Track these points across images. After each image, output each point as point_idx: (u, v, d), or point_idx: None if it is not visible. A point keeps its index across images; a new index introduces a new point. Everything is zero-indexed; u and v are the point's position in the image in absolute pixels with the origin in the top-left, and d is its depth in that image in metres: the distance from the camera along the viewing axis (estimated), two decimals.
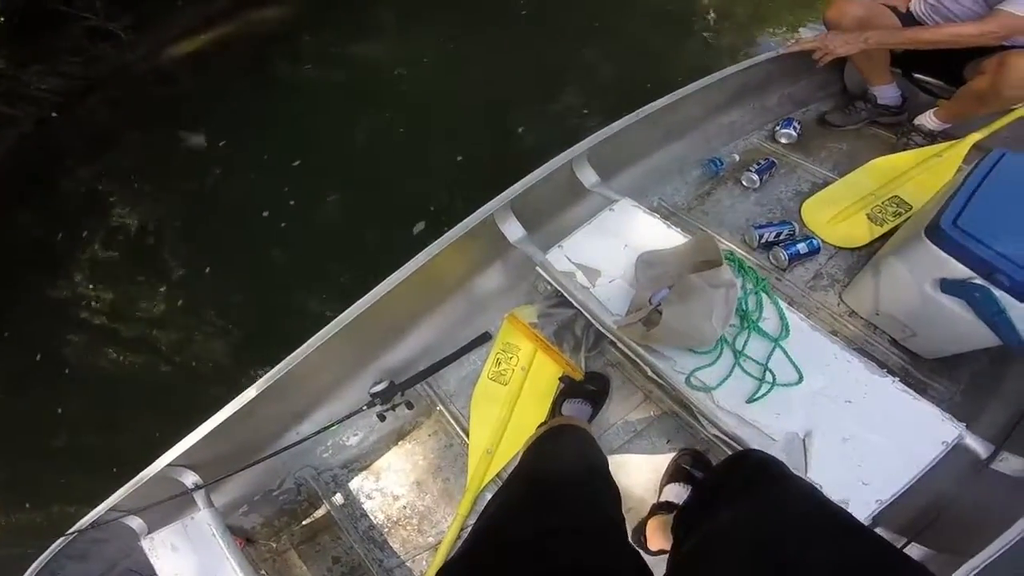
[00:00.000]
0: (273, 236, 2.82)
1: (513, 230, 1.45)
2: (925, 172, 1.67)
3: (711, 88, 1.70)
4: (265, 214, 2.91)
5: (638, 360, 1.16)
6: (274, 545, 1.53)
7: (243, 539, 1.53)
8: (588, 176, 1.50)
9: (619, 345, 1.19)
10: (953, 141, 1.69)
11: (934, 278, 1.17)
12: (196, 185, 3.26)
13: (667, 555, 0.93)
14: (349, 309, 1.31)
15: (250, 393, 1.27)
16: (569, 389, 1.44)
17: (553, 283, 1.29)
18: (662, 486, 1.29)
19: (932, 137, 1.80)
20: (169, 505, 1.25)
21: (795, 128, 1.90)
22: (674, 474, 1.29)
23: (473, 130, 3.04)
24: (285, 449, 1.32)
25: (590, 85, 3.15)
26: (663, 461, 1.34)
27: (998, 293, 1.08)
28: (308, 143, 3.27)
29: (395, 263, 1.35)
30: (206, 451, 1.28)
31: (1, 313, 3.02)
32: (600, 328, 1.21)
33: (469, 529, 1.40)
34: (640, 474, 1.33)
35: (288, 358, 1.28)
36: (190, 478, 1.29)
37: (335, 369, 1.48)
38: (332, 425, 1.36)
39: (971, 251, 1.09)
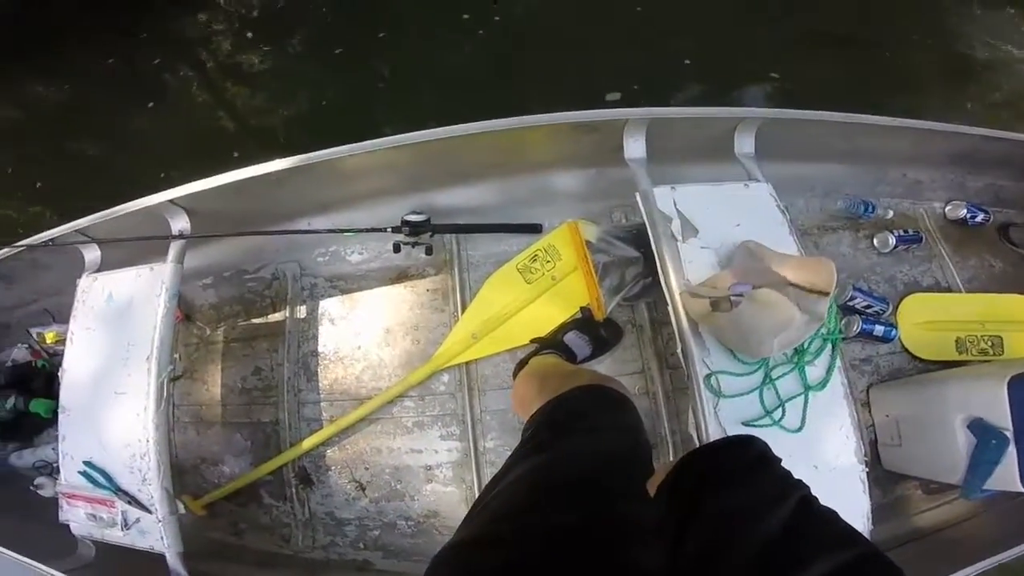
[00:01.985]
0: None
1: (635, 147, 1.32)
2: None
3: (932, 136, 1.46)
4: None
5: (676, 333, 1.10)
6: (208, 332, 1.47)
7: (183, 314, 1.45)
8: (745, 144, 1.34)
9: (667, 308, 1.12)
10: None
11: (971, 414, 1.18)
12: None
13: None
14: (423, 131, 1.21)
15: (285, 163, 1.18)
16: (583, 322, 1.40)
17: (644, 217, 1.19)
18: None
19: None
20: (135, 247, 1.15)
21: (978, 218, 1.64)
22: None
23: None
24: (289, 232, 1.26)
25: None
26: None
27: (1012, 448, 1.12)
28: None
29: None
30: (212, 202, 1.19)
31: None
32: (663, 283, 1.13)
33: (405, 401, 1.38)
34: None
35: (339, 148, 1.19)
36: (179, 223, 1.20)
37: (382, 179, 1.38)
38: (348, 231, 1.29)
39: None
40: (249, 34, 2.94)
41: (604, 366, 1.42)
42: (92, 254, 1.26)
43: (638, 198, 1.22)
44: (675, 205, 1.19)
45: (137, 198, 1.20)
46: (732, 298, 1.02)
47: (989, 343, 1.49)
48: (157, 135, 2.62)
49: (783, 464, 0.59)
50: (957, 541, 1.36)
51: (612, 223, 1.56)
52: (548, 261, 1.47)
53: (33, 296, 1.40)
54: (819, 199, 1.64)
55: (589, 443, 0.70)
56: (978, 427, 1.17)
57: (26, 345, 1.46)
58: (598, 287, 1.43)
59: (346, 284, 1.48)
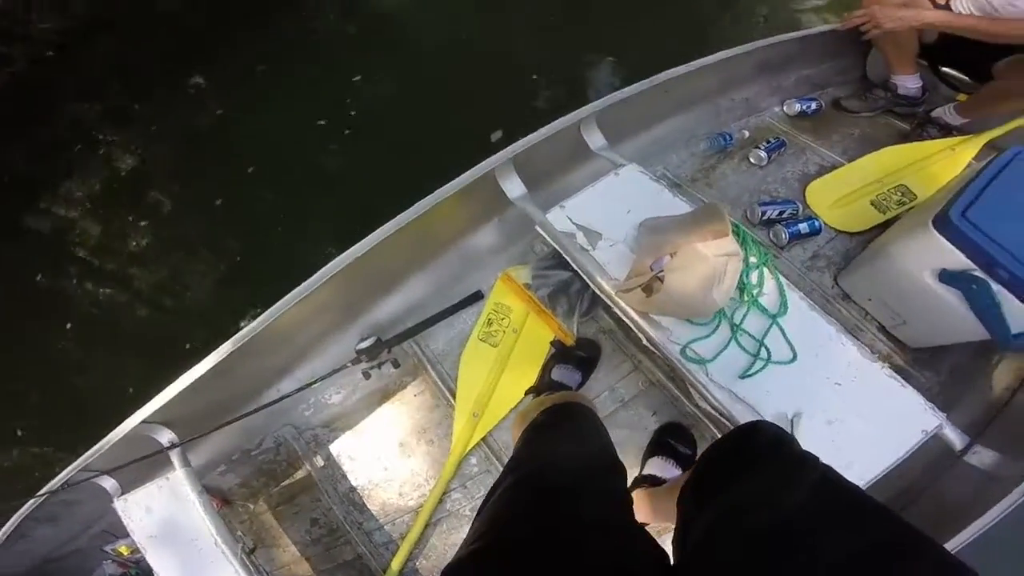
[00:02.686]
0: (270, 179, 2.72)
1: (514, 187, 1.39)
2: (935, 165, 1.64)
3: (730, 62, 1.64)
4: (258, 161, 2.80)
5: (634, 328, 1.12)
6: (252, 507, 1.50)
7: (220, 500, 1.51)
8: (595, 139, 1.45)
9: (615, 311, 1.15)
10: (967, 136, 1.65)
11: (935, 268, 1.17)
12: (197, 125, 3.10)
13: (661, 528, 0.91)
14: (335, 260, 1.26)
15: (228, 348, 1.22)
16: (560, 354, 1.41)
17: (552, 243, 1.24)
18: (645, 458, 1.28)
19: (948, 131, 1.76)
20: (144, 464, 1.20)
21: (812, 106, 1.85)
22: (658, 447, 1.27)
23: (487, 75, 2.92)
24: (265, 407, 1.27)
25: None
26: (647, 433, 1.33)
27: (996, 287, 1.08)
28: (319, 88, 3.13)
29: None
30: (182, 408, 1.24)
31: None
32: (597, 292, 1.17)
33: (452, 493, 1.40)
34: (625, 445, 1.32)
35: (269, 311, 1.23)
36: (166, 436, 1.25)
37: (320, 323, 1.43)
38: (315, 382, 1.32)
39: (976, 243, 1.08)
40: (119, 215, 2.83)
41: (600, 380, 1.42)
42: (108, 482, 1.28)
43: (539, 229, 1.26)
44: (571, 221, 1.24)
45: (117, 421, 1.23)
46: (658, 276, 1.05)
47: (898, 193, 1.59)
48: (96, 356, 2.49)
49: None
50: None
51: (537, 256, 1.60)
52: (503, 318, 1.50)
53: (84, 525, 1.41)
54: (685, 150, 1.76)
55: (553, 453, 0.73)
56: (949, 278, 1.15)
57: (109, 560, 1.42)
58: (554, 318, 1.46)
59: (343, 423, 1.49)
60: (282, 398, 1.28)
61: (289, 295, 1.24)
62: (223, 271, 2.50)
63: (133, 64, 3.63)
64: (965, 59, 1.74)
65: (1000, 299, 1.08)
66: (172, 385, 1.21)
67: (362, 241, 1.27)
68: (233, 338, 1.22)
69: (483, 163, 1.35)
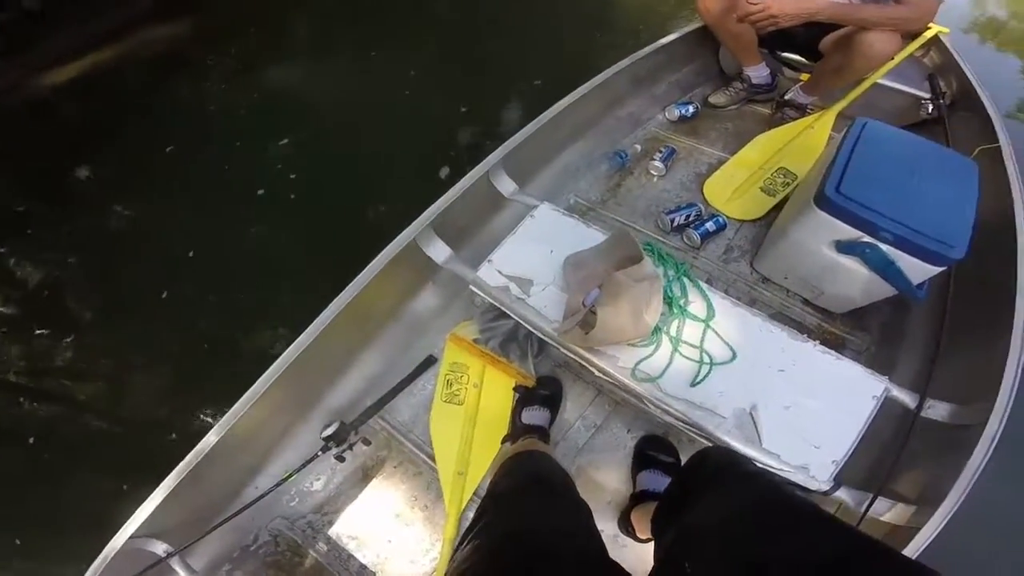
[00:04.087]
0: (183, 271, 2.58)
1: (439, 251, 1.43)
2: (802, 142, 1.84)
3: (607, 84, 1.78)
4: (172, 251, 2.64)
5: (583, 362, 1.17)
6: None
7: None
8: (506, 185, 1.52)
9: (560, 350, 1.20)
10: (820, 112, 1.87)
11: (829, 241, 1.28)
12: (93, 224, 2.88)
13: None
14: (282, 356, 1.26)
15: (195, 456, 1.20)
16: (525, 398, 1.44)
17: (488, 299, 1.27)
18: (634, 475, 1.34)
19: (802, 109, 1.98)
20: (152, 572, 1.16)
21: (690, 109, 2.03)
22: (643, 462, 1.34)
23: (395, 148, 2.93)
24: (249, 506, 1.24)
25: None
26: (628, 451, 1.39)
27: (885, 248, 1.20)
28: (219, 170, 3.01)
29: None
30: (167, 517, 1.19)
31: None
32: (541, 337, 1.21)
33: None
34: (611, 466, 1.36)
35: (227, 416, 1.22)
36: (159, 547, 1.20)
37: (280, 419, 1.41)
38: (288, 476, 1.30)
39: (855, 213, 1.19)
40: (37, 331, 2.62)
41: (569, 411, 1.47)
42: None
43: (472, 288, 1.30)
44: (501, 274, 1.29)
45: (99, 538, 1.17)
46: (591, 310, 1.11)
47: (781, 175, 1.77)
48: (71, 479, 2.24)
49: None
50: None
51: (479, 310, 1.63)
52: (461, 376, 1.52)
53: None
54: (589, 174, 1.88)
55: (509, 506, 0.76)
56: (844, 248, 1.25)
57: None
58: (511, 365, 1.49)
59: (332, 507, 1.46)
60: (262, 496, 1.26)
61: (243, 398, 1.23)
62: (167, 375, 2.35)
63: (16, 161, 3.37)
64: (796, 42, 1.92)
65: (893, 257, 1.19)
66: (151, 497, 1.18)
67: (303, 334, 1.27)
68: (197, 447, 1.20)
69: (403, 234, 1.37)
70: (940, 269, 1.17)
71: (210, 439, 1.21)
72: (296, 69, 3.62)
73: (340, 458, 1.40)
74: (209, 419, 1.99)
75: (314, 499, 1.46)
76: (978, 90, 1.80)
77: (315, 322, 1.28)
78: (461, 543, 0.66)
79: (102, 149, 3.29)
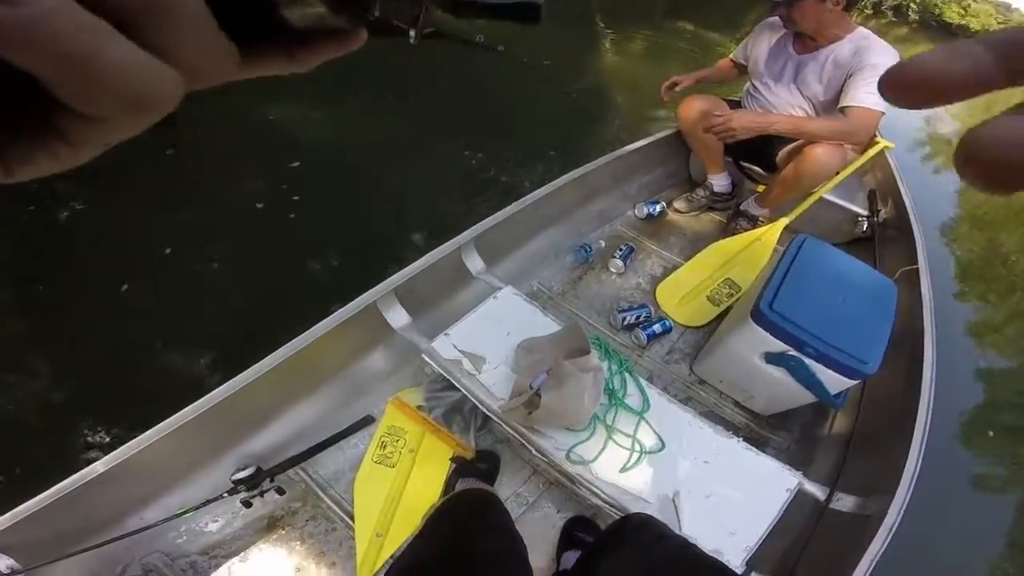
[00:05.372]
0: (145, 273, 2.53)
1: (397, 317, 1.50)
2: (749, 255, 2.03)
3: (587, 177, 1.97)
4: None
5: (523, 440, 1.25)
6: None
7: None
8: (474, 263, 1.64)
9: (503, 427, 1.28)
10: (769, 225, 2.08)
11: (761, 352, 1.43)
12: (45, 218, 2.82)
13: None
14: (210, 394, 1.25)
15: (81, 478, 1.15)
16: (461, 468, 1.48)
17: (439, 370, 1.35)
18: (559, 555, 1.37)
19: (754, 220, 2.19)
20: None
21: (657, 209, 2.22)
22: (568, 543, 1.38)
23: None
24: (127, 535, 1.18)
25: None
26: (556, 530, 1.42)
27: (808, 362, 1.34)
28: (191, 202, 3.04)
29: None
30: (25, 532, 1.12)
31: None
32: (486, 412, 1.29)
33: None
34: (538, 544, 1.39)
35: (129, 444, 1.18)
36: (3, 562, 1.11)
37: (189, 454, 1.36)
38: (184, 513, 1.25)
39: (785, 329, 1.34)
40: None
41: (505, 486, 1.50)
42: None
43: (425, 357, 1.38)
44: (456, 348, 1.38)
45: None
46: (537, 393, 1.21)
47: (727, 286, 1.94)
48: None
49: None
50: None
51: (428, 379, 1.68)
52: (397, 440, 1.53)
53: None
54: (554, 263, 2.03)
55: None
56: (773, 359, 1.39)
57: None
58: (451, 435, 1.54)
59: (225, 551, 1.38)
60: (146, 527, 1.20)
61: (155, 428, 1.20)
62: (77, 386, 2.22)
63: None
64: (756, 152, 2.16)
65: (815, 370, 1.33)
66: (14, 510, 1.10)
67: (236, 378, 1.27)
68: (88, 468, 1.15)
69: (364, 295, 1.44)
70: (856, 382, 1.32)
71: (98, 467, 1.16)
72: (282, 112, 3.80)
73: (247, 503, 1.35)
74: (110, 438, 1.86)
75: (206, 540, 1.38)
76: (910, 212, 2.05)
77: (253, 367, 1.29)
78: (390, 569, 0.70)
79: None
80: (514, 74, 4.56)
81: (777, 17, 1.94)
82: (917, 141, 5.94)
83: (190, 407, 1.23)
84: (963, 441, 2.44)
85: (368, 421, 1.56)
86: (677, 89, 2.20)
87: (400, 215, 2.83)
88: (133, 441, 1.19)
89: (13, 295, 2.53)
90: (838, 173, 1.96)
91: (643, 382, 1.36)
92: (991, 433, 2.56)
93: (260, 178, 3.00)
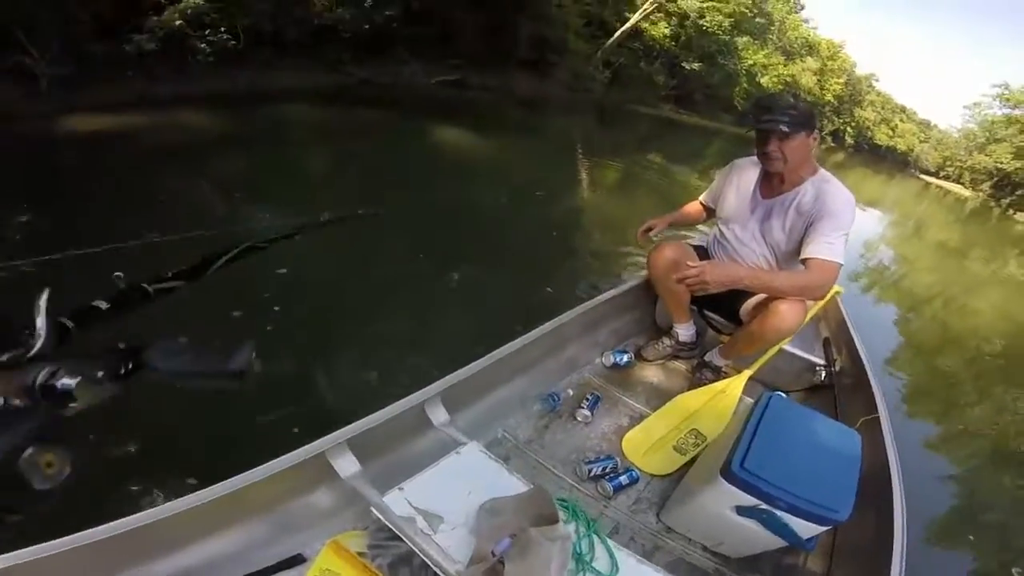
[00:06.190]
0: None
1: (347, 465, 1.40)
2: (714, 406, 2.04)
3: (561, 328, 2.03)
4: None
5: None
6: None
7: None
8: (438, 414, 1.60)
9: None
10: (733, 377, 2.12)
11: (731, 506, 1.43)
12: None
13: None
14: (103, 526, 1.09)
15: None
16: None
17: (390, 525, 1.25)
18: None
19: (718, 372, 2.24)
20: None
21: (624, 358, 2.27)
22: None
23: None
24: None
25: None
26: None
27: (780, 513, 1.36)
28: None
29: None
30: None
31: None
32: (439, 573, 1.17)
33: None
34: None
35: (29, 550, 1.01)
36: None
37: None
38: None
39: (756, 486, 1.37)
40: None
41: None
42: None
43: (374, 511, 1.27)
44: (410, 504, 1.29)
45: None
46: (500, 560, 1.13)
47: (693, 436, 1.94)
48: None
49: None
50: None
51: (375, 525, 1.54)
52: None
53: None
54: (521, 411, 2.00)
55: None
56: (744, 512, 1.40)
57: None
58: None
59: None
60: None
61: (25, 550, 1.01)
62: None
63: None
64: (720, 302, 2.20)
65: (787, 520, 1.35)
66: None
67: (147, 511, 1.13)
68: None
69: (314, 444, 1.35)
70: (827, 528, 1.35)
71: None
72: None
73: None
74: None
75: None
76: (865, 363, 2.17)
77: (175, 501, 1.17)
78: None
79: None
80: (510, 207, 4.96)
81: (747, 159, 2.07)
82: (855, 274, 6.60)
83: (74, 536, 1.07)
84: (945, 548, 2.64)
85: (297, 561, 1.36)
86: (652, 234, 2.27)
87: (366, 356, 2.79)
88: (33, 548, 1.01)
89: None
90: (797, 329, 2.02)
91: (611, 543, 1.28)
92: (972, 537, 2.72)
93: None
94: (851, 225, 1.83)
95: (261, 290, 3.04)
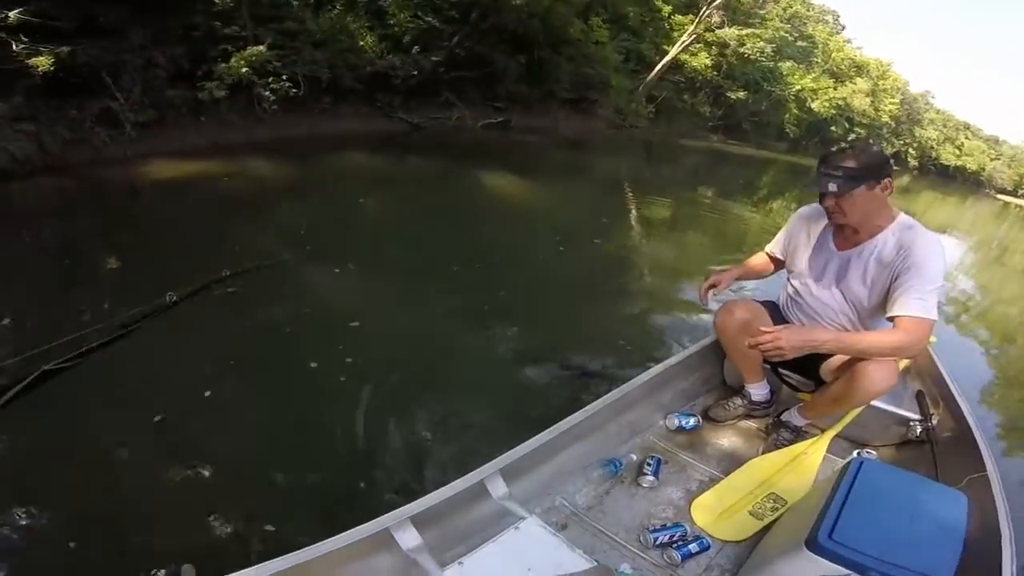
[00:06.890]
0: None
1: (409, 539, 1.37)
2: (795, 467, 1.90)
3: (625, 396, 1.94)
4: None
5: None
6: None
7: None
8: (497, 488, 1.54)
9: None
10: (815, 438, 1.98)
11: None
12: None
13: None
14: None
15: None
16: None
17: None
18: None
19: (797, 432, 2.06)
20: None
21: (690, 422, 2.13)
22: None
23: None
24: None
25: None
26: None
27: None
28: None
29: None
30: None
31: None
32: None
33: None
34: None
35: None
36: None
37: None
38: None
39: (846, 557, 1.24)
40: None
41: None
42: None
43: None
44: None
45: None
46: None
47: (771, 501, 1.79)
48: None
49: None
50: None
51: None
52: None
53: None
54: (581, 477, 1.90)
55: None
56: None
57: None
58: None
59: None
60: None
61: None
62: None
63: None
64: (797, 362, 1.97)
65: None
66: None
67: None
68: None
69: (380, 519, 1.33)
70: None
71: None
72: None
73: None
74: None
75: None
76: (968, 418, 1.95)
77: (237, 573, 1.11)
78: None
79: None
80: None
81: (814, 207, 1.91)
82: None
83: None
84: None
85: None
86: (715, 292, 2.10)
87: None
88: None
89: None
90: (889, 390, 1.82)
91: None
92: None
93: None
94: (943, 275, 1.67)
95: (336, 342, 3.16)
